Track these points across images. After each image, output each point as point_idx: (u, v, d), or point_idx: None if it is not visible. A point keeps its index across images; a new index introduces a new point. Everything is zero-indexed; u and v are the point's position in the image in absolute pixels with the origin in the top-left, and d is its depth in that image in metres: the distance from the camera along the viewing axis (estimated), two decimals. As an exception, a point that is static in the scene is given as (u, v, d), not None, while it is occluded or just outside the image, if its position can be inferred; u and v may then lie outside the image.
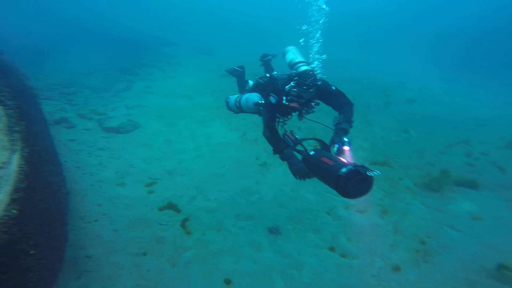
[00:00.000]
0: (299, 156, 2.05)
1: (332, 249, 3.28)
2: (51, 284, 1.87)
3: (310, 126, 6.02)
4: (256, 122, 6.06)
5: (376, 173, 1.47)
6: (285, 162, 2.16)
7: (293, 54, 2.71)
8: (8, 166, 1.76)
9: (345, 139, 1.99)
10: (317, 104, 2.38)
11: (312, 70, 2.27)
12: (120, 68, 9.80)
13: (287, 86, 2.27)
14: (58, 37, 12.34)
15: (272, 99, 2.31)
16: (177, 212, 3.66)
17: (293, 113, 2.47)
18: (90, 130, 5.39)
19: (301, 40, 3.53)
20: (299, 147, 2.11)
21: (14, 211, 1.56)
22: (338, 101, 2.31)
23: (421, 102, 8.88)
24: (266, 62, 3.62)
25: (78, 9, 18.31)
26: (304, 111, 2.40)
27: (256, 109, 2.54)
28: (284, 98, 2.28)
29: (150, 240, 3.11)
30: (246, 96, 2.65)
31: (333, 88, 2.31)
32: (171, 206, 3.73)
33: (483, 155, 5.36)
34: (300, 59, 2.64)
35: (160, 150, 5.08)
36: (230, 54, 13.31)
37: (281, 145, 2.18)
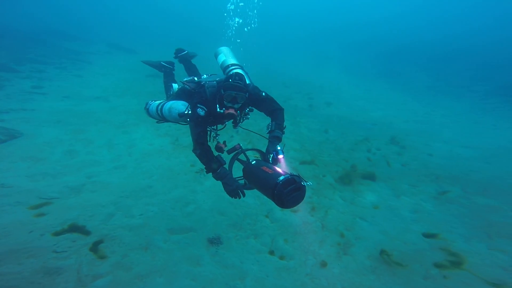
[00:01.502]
0: (229, 167, 2.01)
1: (271, 252, 3.28)
2: None
3: (244, 136, 5.96)
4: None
5: (309, 184, 1.55)
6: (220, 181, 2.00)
7: (225, 56, 2.60)
8: None
9: (278, 148, 1.99)
10: (251, 110, 2.28)
11: (245, 73, 2.21)
12: None
13: (222, 91, 2.04)
14: None
15: (200, 111, 2.01)
16: (85, 235, 2.89)
17: (226, 122, 2.28)
18: None
19: (238, 40, 3.48)
20: (239, 157, 2.04)
21: None
22: (270, 107, 2.25)
23: (336, 105, 10.49)
24: (182, 59, 3.20)
25: None
26: (238, 119, 2.24)
27: (181, 119, 2.22)
28: (218, 106, 2.05)
29: (36, 273, 2.28)
30: (170, 104, 2.31)
31: (263, 94, 2.23)
32: (74, 229, 2.91)
33: (378, 150, 6.66)
34: (233, 61, 2.55)
35: (58, 163, 3.97)
36: (156, 53, 12.27)
37: (214, 164, 1.97)
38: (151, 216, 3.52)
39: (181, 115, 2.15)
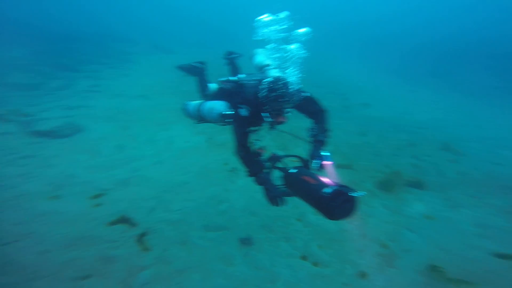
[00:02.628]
0: (267, 175, 1.95)
1: (304, 258, 3.21)
2: None
3: (278, 136, 6.06)
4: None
5: (360, 194, 1.44)
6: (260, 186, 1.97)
7: (262, 56, 2.55)
8: None
9: (325, 153, 1.86)
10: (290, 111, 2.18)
11: (284, 76, 2.11)
12: (54, 64, 8.64)
13: (261, 94, 1.93)
14: None
15: (243, 112, 1.96)
16: (132, 226, 3.20)
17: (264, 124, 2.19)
18: (10, 134, 4.42)
19: (268, 46, 3.32)
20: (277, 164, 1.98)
21: None
22: (312, 108, 2.12)
23: (375, 106, 9.82)
24: (231, 61, 3.23)
25: None
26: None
27: (221, 120, 2.17)
28: (260, 109, 1.94)
29: (96, 260, 2.60)
30: (210, 104, 2.29)
31: (307, 94, 2.09)
32: (124, 220, 3.24)
33: (427, 156, 6.07)
34: (270, 62, 2.48)
35: (110, 157, 4.46)
36: (192, 53, 12.88)
37: (256, 168, 1.94)
38: (187, 212, 3.72)
39: (223, 115, 2.09)
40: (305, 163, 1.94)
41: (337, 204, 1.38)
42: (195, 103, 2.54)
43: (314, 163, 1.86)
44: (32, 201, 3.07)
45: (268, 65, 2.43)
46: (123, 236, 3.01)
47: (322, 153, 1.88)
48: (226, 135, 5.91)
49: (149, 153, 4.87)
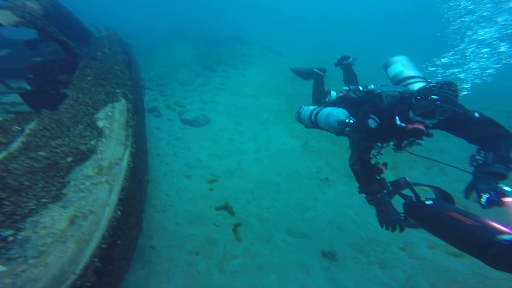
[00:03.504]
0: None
1: None
2: (124, 273, 1.84)
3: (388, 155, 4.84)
4: (321, 132, 5.30)
5: None
6: (374, 206, 1.62)
7: (403, 66, 2.00)
8: (121, 163, 1.68)
9: (507, 188, 1.34)
10: (430, 135, 1.58)
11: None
12: (203, 64, 10.18)
13: (413, 100, 1.54)
14: (163, 34, 13.78)
15: (372, 123, 1.66)
16: (231, 215, 3.49)
17: (390, 142, 1.80)
18: (171, 120, 5.84)
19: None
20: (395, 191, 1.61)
21: (119, 212, 1.47)
22: (486, 132, 1.55)
23: None
24: (346, 67, 2.81)
25: (181, 9, 20.49)
26: (410, 141, 1.66)
27: (338, 128, 1.98)
28: (398, 118, 1.58)
29: (204, 240, 3.01)
30: (328, 110, 2.10)
31: (476, 114, 1.56)
32: (226, 208, 3.58)
33: None
34: (414, 73, 1.91)
35: (224, 147, 5.05)
36: (299, 56, 12.42)
37: (374, 186, 1.60)
38: (275, 212, 3.69)
39: (341, 123, 1.92)
40: (447, 197, 1.49)
41: None
42: (310, 108, 2.39)
43: (483, 198, 1.36)
44: (176, 177, 3.94)
45: (414, 78, 1.91)
46: (224, 223, 3.32)
47: (503, 187, 1.38)
48: (322, 142, 5.38)
49: (251, 149, 5.14)
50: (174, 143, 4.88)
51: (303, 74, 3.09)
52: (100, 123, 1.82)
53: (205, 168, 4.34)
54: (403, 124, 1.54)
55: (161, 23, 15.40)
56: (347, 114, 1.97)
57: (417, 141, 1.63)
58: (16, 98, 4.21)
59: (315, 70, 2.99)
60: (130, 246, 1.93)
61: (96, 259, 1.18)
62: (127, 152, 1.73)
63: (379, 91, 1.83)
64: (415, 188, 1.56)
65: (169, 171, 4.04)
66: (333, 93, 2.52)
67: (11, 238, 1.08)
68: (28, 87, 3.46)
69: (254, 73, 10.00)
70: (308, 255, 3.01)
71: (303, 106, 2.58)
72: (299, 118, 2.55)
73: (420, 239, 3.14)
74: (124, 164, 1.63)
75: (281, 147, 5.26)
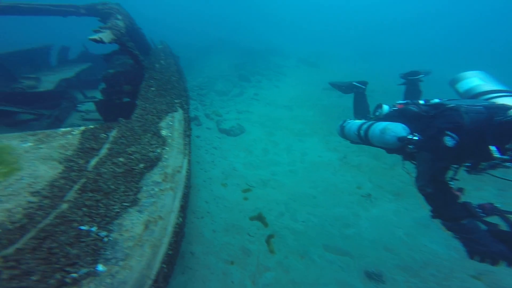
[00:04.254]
0: None
1: None
2: (169, 277, 1.98)
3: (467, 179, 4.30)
4: (361, 146, 4.99)
5: None
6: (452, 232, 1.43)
7: (481, 80, 1.81)
8: (182, 171, 1.74)
9: None
10: None
11: None
12: (238, 74, 10.60)
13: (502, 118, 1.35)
14: (202, 48, 14.84)
15: (450, 141, 1.47)
16: (265, 226, 3.50)
17: (467, 163, 1.60)
18: (210, 129, 6.25)
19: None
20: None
21: (181, 219, 1.53)
22: None
23: None
24: (413, 83, 2.56)
25: (219, 26, 22.23)
26: (496, 163, 1.43)
27: (396, 145, 1.77)
28: (496, 148, 1.35)
29: (238, 249, 3.08)
30: (383, 125, 1.88)
31: None
32: (260, 218, 3.61)
33: None
34: (498, 87, 1.71)
35: (258, 158, 5.16)
36: (335, 68, 12.12)
37: (458, 212, 1.41)
38: (311, 226, 3.60)
39: (403, 140, 1.70)
40: None
41: None
42: (357, 122, 2.25)
43: None
44: (213, 184, 4.17)
45: (497, 92, 1.71)
46: (257, 233, 3.35)
47: None
48: (363, 156, 5.07)
49: (285, 160, 5.13)
50: (212, 152, 5.20)
51: (343, 88, 2.97)
52: (163, 132, 1.93)
53: (240, 177, 4.48)
54: (505, 157, 1.30)
55: (199, 38, 16.86)
56: (408, 130, 1.76)
57: (508, 164, 1.37)
58: (90, 106, 5.01)
59: (355, 83, 2.86)
60: (175, 250, 2.11)
61: (164, 265, 1.22)
62: (185, 160, 1.83)
63: (453, 104, 1.60)
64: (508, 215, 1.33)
65: (207, 178, 4.30)
66: (386, 107, 2.32)
67: (106, 239, 1.16)
68: (100, 96, 3.90)
69: (287, 83, 10.09)
70: (348, 274, 2.85)
71: (347, 119, 2.46)
72: (343, 133, 2.43)
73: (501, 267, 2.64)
74: (184, 172, 1.72)
75: (317, 159, 5.12)
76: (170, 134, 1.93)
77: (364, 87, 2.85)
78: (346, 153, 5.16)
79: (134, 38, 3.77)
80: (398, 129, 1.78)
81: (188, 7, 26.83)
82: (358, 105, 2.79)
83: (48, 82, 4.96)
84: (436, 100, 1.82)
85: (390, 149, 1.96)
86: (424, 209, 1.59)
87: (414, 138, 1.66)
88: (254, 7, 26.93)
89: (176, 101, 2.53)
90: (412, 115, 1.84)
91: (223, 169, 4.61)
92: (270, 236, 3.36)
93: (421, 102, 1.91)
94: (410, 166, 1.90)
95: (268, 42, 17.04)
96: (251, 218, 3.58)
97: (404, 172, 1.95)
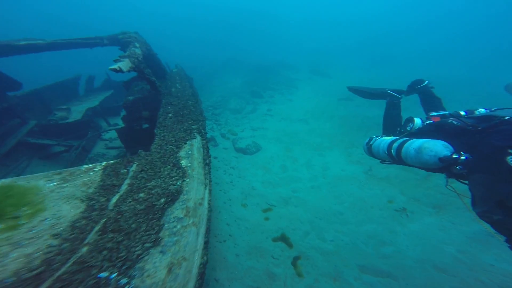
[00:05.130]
0: None
1: None
2: None
3: None
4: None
5: None
6: None
7: None
8: (204, 203, 1.67)
9: None
10: None
11: None
12: (250, 91, 10.76)
13: None
14: (213, 68, 15.46)
15: None
16: (289, 247, 3.38)
17: None
18: (227, 149, 6.40)
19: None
20: None
21: (206, 258, 1.45)
22: None
23: None
24: (422, 91, 2.43)
25: (226, 47, 23.52)
26: None
27: (437, 165, 1.55)
28: None
29: (263, 274, 2.98)
30: (419, 143, 1.66)
31: None
32: (284, 239, 3.51)
33: None
34: None
35: (277, 175, 5.13)
36: (347, 77, 12.06)
37: None
38: (341, 246, 3.41)
39: (446, 160, 1.49)
40: None
41: None
42: (387, 139, 2.04)
43: None
44: (233, 205, 4.19)
45: None
46: (282, 255, 3.24)
47: None
48: (390, 168, 4.80)
49: (306, 176, 5.03)
50: (230, 172, 5.29)
51: (367, 93, 2.73)
52: (183, 163, 1.86)
53: (260, 196, 4.46)
54: None
55: (209, 61, 17.90)
56: (451, 147, 1.55)
57: None
58: (113, 134, 5.37)
59: (389, 91, 2.55)
60: (200, 277, 2.09)
61: None
62: (207, 191, 1.77)
63: (510, 117, 1.41)
64: None
65: (227, 199, 4.34)
66: (418, 120, 2.08)
67: (127, 287, 1.08)
68: (121, 123, 3.98)
69: (301, 96, 10.16)
70: (394, 299, 2.63)
71: (374, 137, 2.23)
72: (371, 152, 2.19)
73: None
74: (206, 204, 1.66)
75: (340, 174, 4.95)
76: (189, 164, 1.88)
77: (400, 96, 2.56)
78: (371, 165, 4.93)
79: (150, 63, 3.96)
80: (438, 147, 1.55)
81: (193, 32, 29.05)
82: (390, 118, 2.51)
83: (77, 112, 5.36)
84: (483, 111, 1.62)
85: (431, 170, 1.72)
86: (481, 225, 1.40)
87: (462, 158, 1.45)
88: (259, 25, 28.43)
89: (193, 127, 2.54)
90: (453, 130, 1.63)
91: (242, 189, 4.63)
92: (296, 258, 3.22)
93: (462, 113, 1.72)
94: (457, 184, 1.65)
95: (277, 56, 17.53)
96: (274, 239, 3.49)
97: (442, 183, 1.75)
